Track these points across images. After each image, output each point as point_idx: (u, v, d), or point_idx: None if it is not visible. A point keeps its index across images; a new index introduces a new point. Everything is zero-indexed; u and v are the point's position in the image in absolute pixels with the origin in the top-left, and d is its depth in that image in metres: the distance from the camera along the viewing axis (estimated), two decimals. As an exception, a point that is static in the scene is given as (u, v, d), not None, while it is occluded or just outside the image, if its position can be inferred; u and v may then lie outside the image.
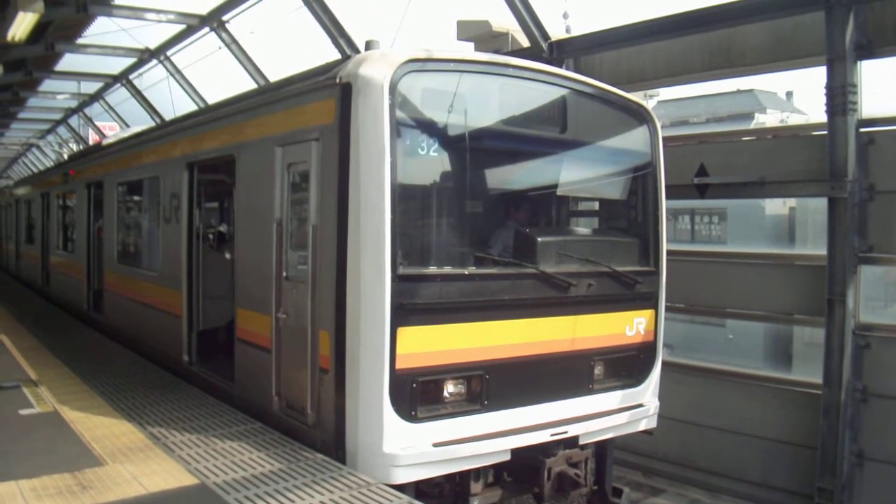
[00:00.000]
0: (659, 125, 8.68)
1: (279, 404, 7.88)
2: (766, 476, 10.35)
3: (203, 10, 17.23)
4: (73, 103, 29.28)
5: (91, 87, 26.21)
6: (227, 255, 10.44)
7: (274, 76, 16.16)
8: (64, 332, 13.90)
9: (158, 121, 22.02)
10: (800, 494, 9.96)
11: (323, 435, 7.11)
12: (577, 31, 12.72)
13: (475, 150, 7.40)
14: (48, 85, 25.60)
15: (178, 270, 10.20)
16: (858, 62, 9.33)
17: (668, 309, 8.82)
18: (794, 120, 27.61)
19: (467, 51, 7.73)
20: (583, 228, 10.17)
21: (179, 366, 10.22)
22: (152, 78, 22.49)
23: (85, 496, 5.86)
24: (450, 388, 6.94)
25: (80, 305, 15.91)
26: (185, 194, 10.17)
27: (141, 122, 20.33)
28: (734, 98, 32.99)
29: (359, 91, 6.60)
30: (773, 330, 20.53)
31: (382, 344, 6.47)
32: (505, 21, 13.11)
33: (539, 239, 7.60)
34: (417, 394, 6.68)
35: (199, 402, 8.80)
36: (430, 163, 7.23)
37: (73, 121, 32.99)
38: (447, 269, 7.01)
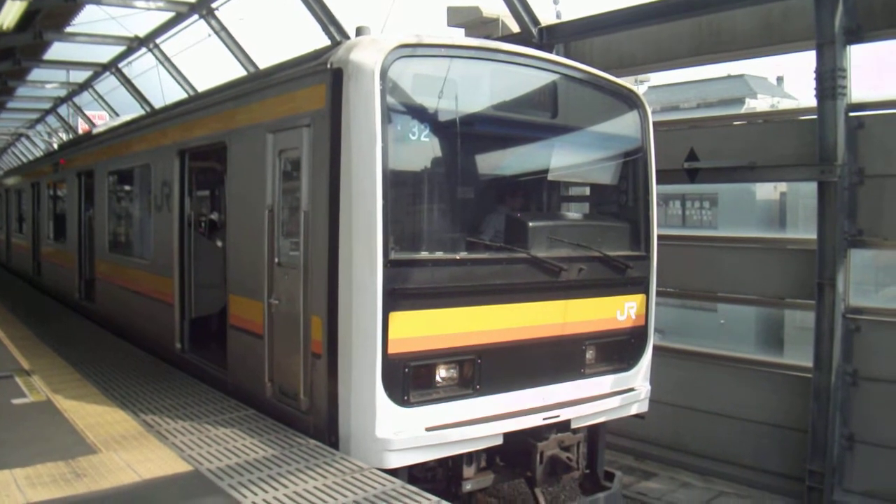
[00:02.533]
0: (649, 110, 8.70)
1: (272, 390, 7.89)
2: (758, 459, 10.40)
3: (192, -3, 17.14)
4: (62, 92, 29.10)
5: (80, 75, 26.06)
6: (219, 243, 10.43)
7: (264, 63, 16.10)
8: (56, 321, 13.89)
9: (148, 109, 21.93)
10: (791, 477, 10.02)
11: (316, 420, 7.13)
12: (567, 17, 12.70)
13: (466, 135, 7.40)
14: (37, 74, 25.44)
15: (170, 258, 10.19)
16: (848, 46, 9.34)
17: (659, 294, 8.85)
18: (784, 105, 27.58)
19: (458, 36, 7.72)
20: (574, 213, 10.17)
21: (172, 353, 10.23)
22: (141, 66, 22.40)
23: (79, 484, 5.88)
24: (442, 373, 6.97)
25: (72, 295, 15.88)
26: (177, 182, 10.15)
27: (130, 111, 20.27)
28: (724, 83, 32.93)
29: (350, 76, 6.60)
30: (765, 314, 20.59)
31: (374, 329, 6.48)
32: (495, 7, 13.11)
33: (530, 224, 7.60)
34: (410, 378, 6.70)
35: (191, 389, 8.82)
36: (421, 148, 7.21)
37: (63, 110, 32.82)
38: (439, 255, 7.04)
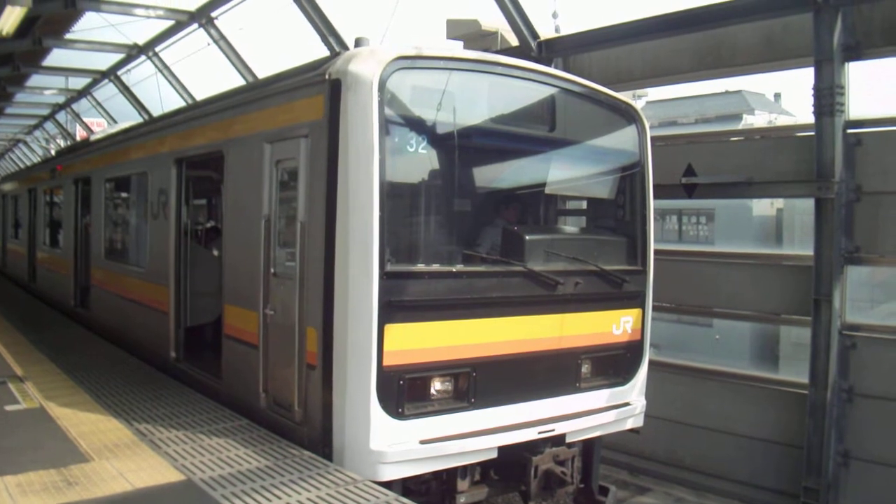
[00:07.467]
0: (647, 125, 8.70)
1: (266, 401, 7.86)
2: (753, 475, 10.38)
3: (192, 6, 17.21)
4: (61, 99, 29.18)
5: (79, 82, 26.16)
6: (215, 252, 10.41)
7: (263, 73, 16.14)
8: (50, 328, 13.83)
9: (146, 117, 21.95)
10: (786, 494, 10.00)
11: (310, 432, 7.10)
12: (566, 31, 12.74)
13: (464, 147, 7.40)
14: (35, 80, 25.53)
15: (166, 267, 10.16)
16: (846, 63, 9.38)
17: (655, 308, 8.84)
18: (782, 121, 27.73)
19: (456, 49, 7.71)
20: (571, 227, 10.18)
21: (167, 362, 10.18)
22: (140, 74, 22.50)
23: (71, 492, 5.84)
24: (437, 386, 6.94)
25: (67, 302, 15.82)
26: (174, 190, 10.13)
27: (128, 119, 20.23)
28: (723, 99, 33.13)
29: (348, 87, 6.60)
30: (761, 330, 20.63)
31: (370, 341, 6.46)
32: (494, 20, 13.15)
33: (527, 237, 7.60)
34: (405, 391, 6.67)
35: (186, 398, 8.77)
36: (419, 160, 7.19)
37: (61, 116, 32.92)
38: (435, 267, 7.01)
